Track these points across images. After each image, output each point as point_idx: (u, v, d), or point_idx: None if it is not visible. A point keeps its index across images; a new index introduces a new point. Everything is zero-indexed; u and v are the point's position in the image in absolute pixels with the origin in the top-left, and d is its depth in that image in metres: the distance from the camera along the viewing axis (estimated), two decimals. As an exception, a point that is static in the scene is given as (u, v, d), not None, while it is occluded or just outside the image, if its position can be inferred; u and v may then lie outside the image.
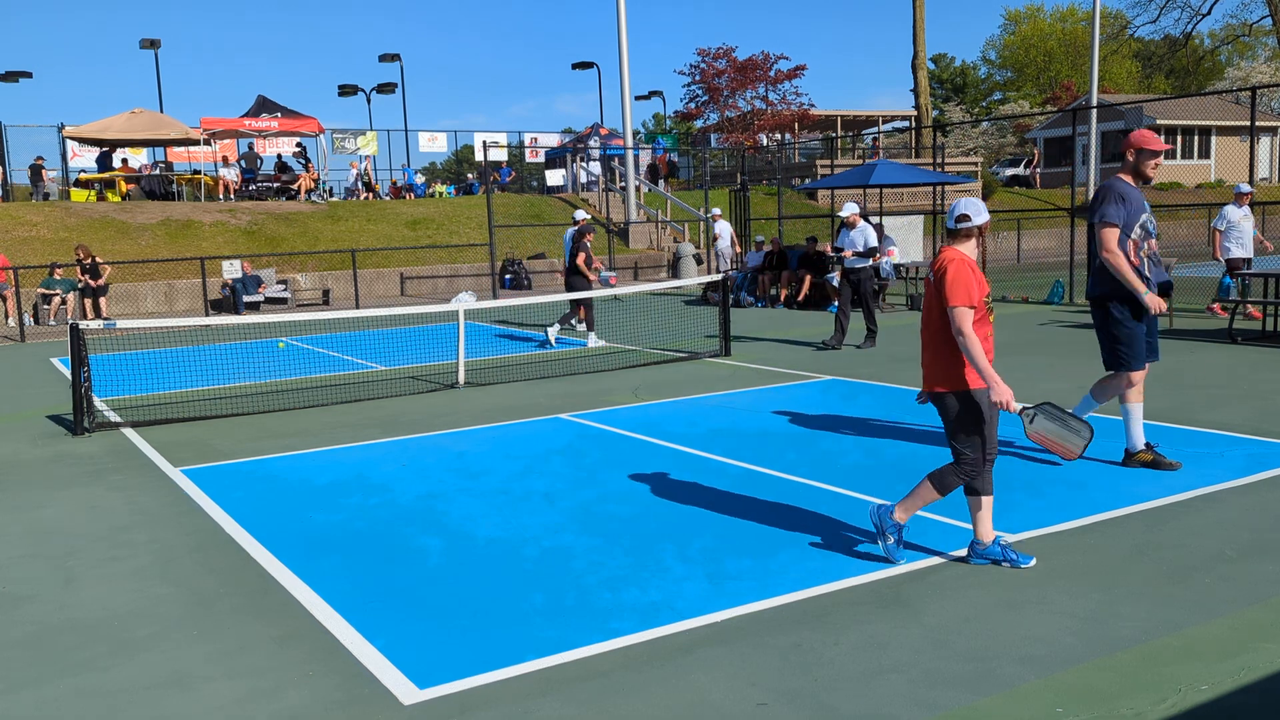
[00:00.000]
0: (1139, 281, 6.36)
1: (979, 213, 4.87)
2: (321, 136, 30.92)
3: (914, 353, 12.35)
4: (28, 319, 20.81)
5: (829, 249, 13.81)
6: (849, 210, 13.36)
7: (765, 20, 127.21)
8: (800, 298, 19.01)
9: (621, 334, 15.47)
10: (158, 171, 29.77)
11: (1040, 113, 51.21)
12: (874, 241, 13.18)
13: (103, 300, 20.90)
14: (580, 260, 14.26)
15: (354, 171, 32.60)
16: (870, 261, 13.22)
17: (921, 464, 6.98)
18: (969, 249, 4.89)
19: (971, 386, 4.74)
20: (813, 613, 4.49)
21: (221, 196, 28.35)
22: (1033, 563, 4.94)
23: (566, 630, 4.39)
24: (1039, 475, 6.58)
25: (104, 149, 28.56)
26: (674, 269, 24.91)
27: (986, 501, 4.89)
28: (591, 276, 14.40)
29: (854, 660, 4.02)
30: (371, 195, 31.84)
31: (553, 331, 14.21)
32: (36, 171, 28.39)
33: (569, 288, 14.49)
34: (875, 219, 21.09)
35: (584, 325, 14.90)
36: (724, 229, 23.05)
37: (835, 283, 18.28)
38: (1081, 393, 9.28)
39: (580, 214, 15.06)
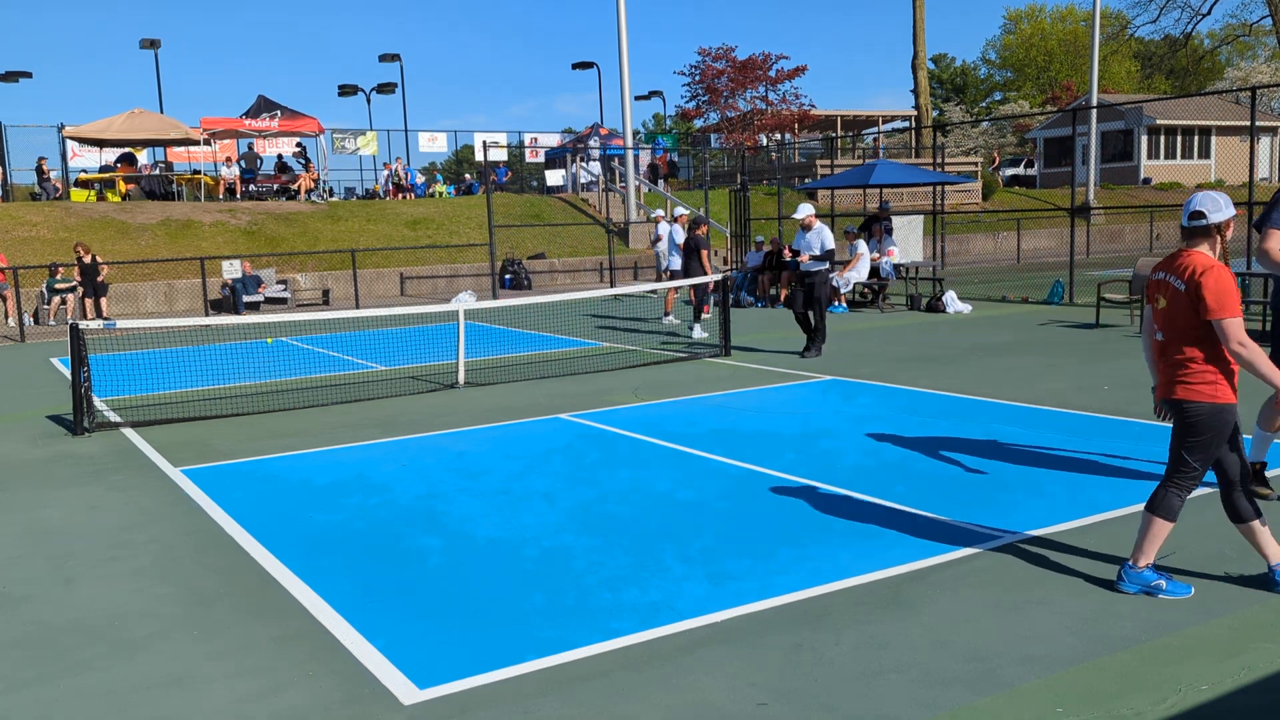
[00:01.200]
0: None
1: (1217, 209, 4.38)
2: (321, 136, 30.93)
3: (914, 353, 12.35)
4: (28, 319, 20.81)
5: (787, 251, 13.07)
6: (804, 211, 12.77)
7: (765, 20, 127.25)
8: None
9: (622, 334, 15.47)
10: (158, 171, 29.78)
11: (1040, 113, 51.23)
12: (830, 244, 12.60)
13: (103, 300, 20.90)
14: (705, 256, 15.07)
15: (386, 172, 33.05)
16: (827, 265, 12.64)
17: (922, 464, 6.98)
18: (1209, 250, 4.41)
19: (1223, 401, 4.38)
20: (813, 613, 4.49)
21: (221, 196, 28.36)
22: (1190, 594, 4.53)
23: (566, 630, 4.40)
24: (1039, 475, 6.58)
25: (126, 149, 28.66)
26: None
27: (1167, 526, 4.53)
28: (707, 269, 15.15)
29: (854, 660, 4.02)
30: (409, 195, 32.20)
31: (696, 332, 14.90)
32: (40, 171, 28.39)
33: (689, 277, 15.22)
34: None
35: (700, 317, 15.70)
36: (665, 230, 22.70)
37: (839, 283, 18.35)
38: (1079, 392, 9.28)
39: (681, 210, 15.55)
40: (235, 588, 5.13)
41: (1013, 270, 26.50)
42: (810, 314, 12.70)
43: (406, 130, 35.82)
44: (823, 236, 12.60)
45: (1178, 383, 4.45)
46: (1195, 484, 4.49)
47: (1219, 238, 4.42)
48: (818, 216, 17.23)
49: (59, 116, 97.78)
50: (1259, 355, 4.30)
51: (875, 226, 19.12)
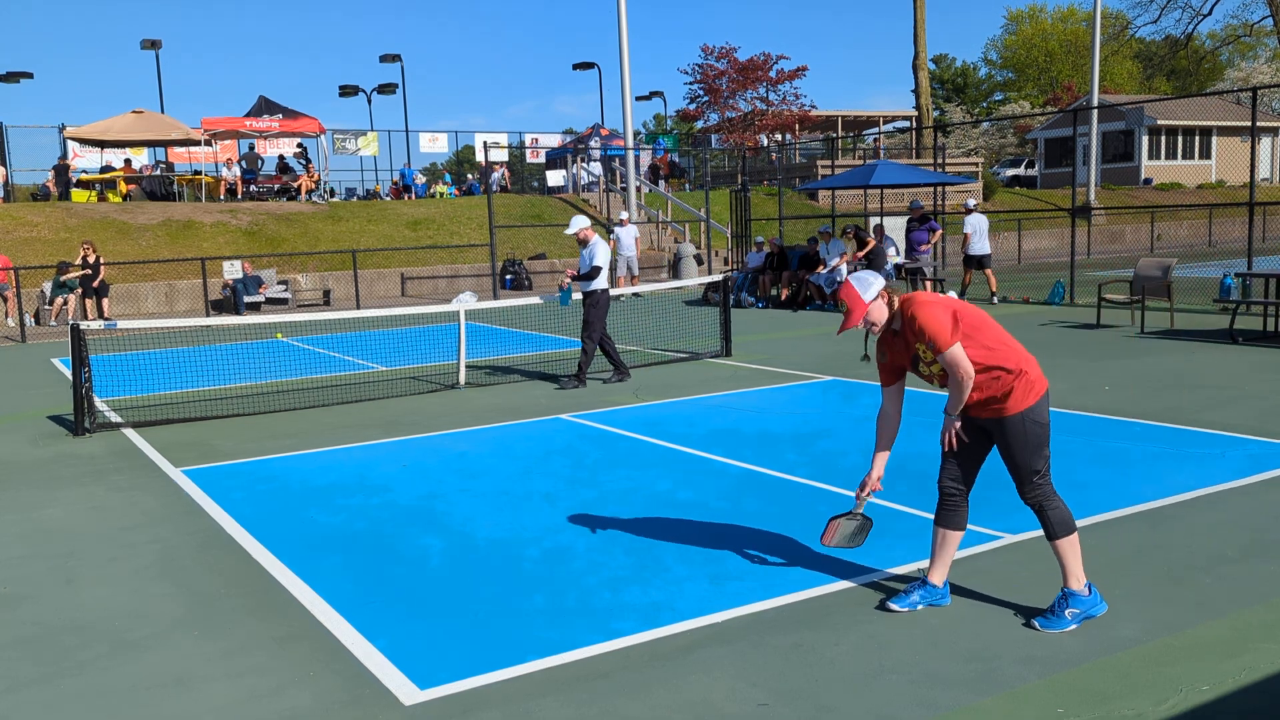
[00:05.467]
0: None
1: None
2: (322, 137, 30.94)
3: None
4: (29, 319, 20.81)
5: (568, 274, 11.14)
6: (576, 225, 10.94)
7: (766, 20, 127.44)
8: (801, 299, 19.02)
9: (622, 334, 15.47)
10: (159, 172, 29.79)
11: (1041, 113, 51.22)
12: (596, 260, 10.76)
13: (104, 301, 20.91)
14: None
15: (495, 174, 33.67)
16: (603, 285, 10.89)
17: (922, 465, 6.97)
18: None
19: None
20: (814, 613, 4.49)
21: (222, 197, 28.37)
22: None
23: (567, 630, 4.39)
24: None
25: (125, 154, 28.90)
26: (674, 269, 24.91)
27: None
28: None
29: (855, 660, 4.02)
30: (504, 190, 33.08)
31: None
32: (63, 170, 28.34)
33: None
34: (875, 219, 21.08)
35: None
36: (629, 233, 22.76)
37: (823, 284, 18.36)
38: (1079, 393, 9.28)
39: (970, 201, 18.07)
40: (236, 588, 5.13)
41: (1013, 270, 26.48)
42: (605, 338, 11.08)
43: (407, 131, 35.87)
44: (592, 252, 10.86)
45: None
46: (938, 490, 4.51)
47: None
48: (820, 217, 17.28)
49: (60, 117, 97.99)
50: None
51: (913, 225, 19.04)
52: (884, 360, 4.47)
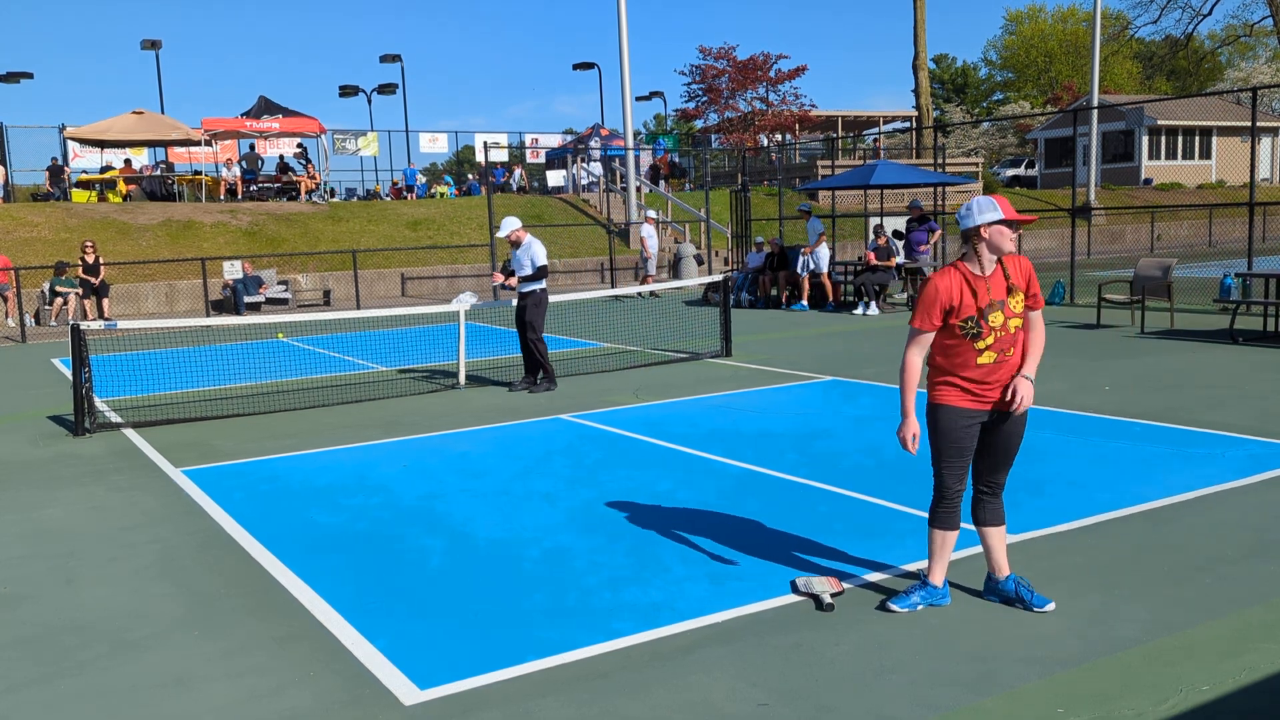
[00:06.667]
0: None
1: (968, 214, 4.17)
2: (323, 137, 30.94)
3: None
4: (29, 319, 20.81)
5: (497, 275, 10.78)
6: (509, 226, 10.60)
7: (765, 20, 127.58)
8: (802, 298, 19.01)
9: (623, 334, 15.48)
10: (159, 172, 29.79)
11: (1041, 113, 51.22)
12: (541, 259, 10.54)
13: (104, 301, 20.91)
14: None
15: (515, 173, 34.24)
16: (543, 284, 10.66)
17: (923, 465, 6.97)
18: (963, 256, 4.26)
19: (938, 402, 4.42)
20: (814, 613, 4.49)
21: (222, 197, 28.37)
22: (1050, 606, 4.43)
23: (567, 631, 4.39)
24: (1040, 475, 6.58)
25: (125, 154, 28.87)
26: (674, 269, 24.89)
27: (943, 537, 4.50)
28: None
29: (855, 660, 4.02)
30: (520, 192, 33.23)
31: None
32: (57, 171, 28.33)
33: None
34: (876, 219, 21.08)
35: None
36: (652, 232, 23.03)
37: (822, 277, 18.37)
38: (1079, 392, 9.28)
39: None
40: (236, 588, 5.13)
41: (1013, 271, 26.44)
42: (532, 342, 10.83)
43: (407, 131, 35.87)
44: (532, 252, 10.58)
45: None
46: (940, 494, 4.45)
47: (976, 242, 4.17)
48: (820, 217, 17.29)
49: (60, 117, 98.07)
50: (905, 368, 4.41)
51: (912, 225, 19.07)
52: (951, 304, 4.19)
